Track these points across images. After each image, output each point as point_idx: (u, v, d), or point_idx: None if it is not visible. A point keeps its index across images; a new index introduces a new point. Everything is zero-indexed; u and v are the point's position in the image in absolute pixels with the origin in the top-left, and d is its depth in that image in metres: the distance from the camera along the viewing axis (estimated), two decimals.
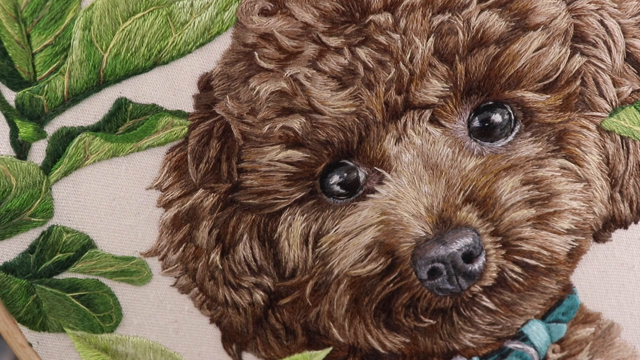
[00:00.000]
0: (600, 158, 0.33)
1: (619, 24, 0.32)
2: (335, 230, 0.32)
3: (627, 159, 0.33)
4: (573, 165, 0.32)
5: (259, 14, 0.30)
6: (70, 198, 0.32)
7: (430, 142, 0.31)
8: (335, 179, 0.32)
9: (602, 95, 0.32)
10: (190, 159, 0.32)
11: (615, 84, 0.32)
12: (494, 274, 0.31)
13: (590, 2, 0.32)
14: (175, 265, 0.33)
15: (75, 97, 0.31)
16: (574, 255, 0.33)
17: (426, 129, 0.31)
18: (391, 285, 0.32)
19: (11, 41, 0.30)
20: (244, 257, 0.33)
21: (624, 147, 0.33)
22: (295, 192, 0.32)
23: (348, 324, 0.33)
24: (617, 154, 0.33)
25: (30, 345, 0.33)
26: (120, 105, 0.31)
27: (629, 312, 0.35)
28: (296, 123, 0.30)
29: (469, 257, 0.30)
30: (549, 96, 0.31)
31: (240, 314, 0.34)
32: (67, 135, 0.31)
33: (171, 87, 0.31)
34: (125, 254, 0.33)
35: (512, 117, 0.32)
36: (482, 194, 0.31)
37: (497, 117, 0.31)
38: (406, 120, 0.31)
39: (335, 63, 0.30)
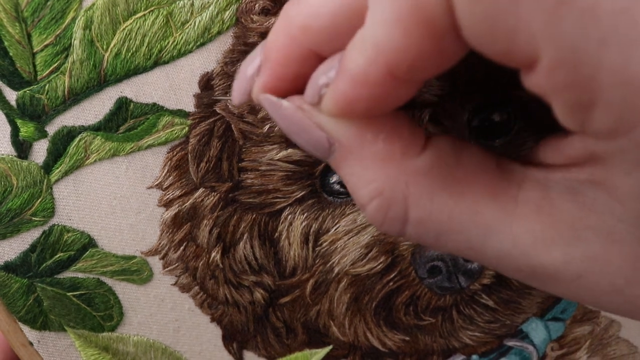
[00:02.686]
0: None
1: None
2: (335, 229, 0.32)
3: None
4: None
5: (259, 14, 0.30)
6: (71, 197, 0.32)
7: None
8: (336, 177, 0.32)
9: None
10: (190, 158, 0.32)
11: None
12: (493, 272, 0.32)
13: None
14: (176, 264, 0.33)
15: (76, 97, 0.31)
16: None
17: (425, 128, 0.31)
18: (391, 283, 0.32)
19: (12, 41, 0.30)
20: (245, 255, 0.33)
21: None
22: (295, 191, 0.32)
23: (348, 322, 0.33)
24: None
25: (31, 344, 0.33)
26: (121, 104, 0.31)
27: None
28: None
29: None
30: None
31: (241, 313, 0.34)
32: (68, 135, 0.31)
33: (172, 87, 0.31)
34: (126, 253, 0.33)
35: (512, 116, 0.32)
36: None
37: (496, 116, 0.32)
38: None
39: None
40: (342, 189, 0.32)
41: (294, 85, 0.23)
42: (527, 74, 0.18)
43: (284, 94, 0.23)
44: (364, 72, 0.20)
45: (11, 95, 0.31)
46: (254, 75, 0.24)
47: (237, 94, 0.25)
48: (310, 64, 0.22)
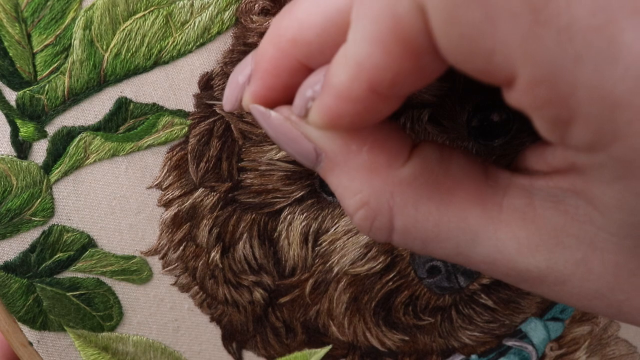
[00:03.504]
0: None
1: None
2: (334, 229, 0.32)
3: None
4: None
5: (259, 14, 0.30)
6: (71, 197, 0.32)
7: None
8: None
9: None
10: (190, 158, 0.32)
11: None
12: None
13: None
14: (176, 264, 0.33)
15: (75, 97, 0.31)
16: None
17: (425, 128, 0.31)
18: (390, 283, 0.32)
19: (12, 41, 0.30)
20: (244, 255, 0.33)
21: None
22: (294, 190, 0.32)
23: (347, 322, 0.33)
24: None
25: (31, 344, 0.34)
26: (121, 104, 0.31)
27: None
28: None
29: None
30: None
31: (240, 312, 0.34)
32: (68, 135, 0.31)
33: (172, 87, 0.31)
34: (125, 253, 0.33)
35: (511, 116, 0.32)
36: None
37: (495, 116, 0.32)
38: (405, 119, 0.31)
39: None
40: None
41: (283, 95, 0.24)
42: (507, 91, 0.19)
43: (273, 104, 0.24)
44: (347, 88, 0.21)
45: (11, 96, 0.31)
46: (245, 84, 0.24)
47: (228, 101, 0.25)
48: (300, 75, 0.23)
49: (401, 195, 0.22)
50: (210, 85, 0.31)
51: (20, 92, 0.31)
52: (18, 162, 0.31)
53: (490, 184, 0.23)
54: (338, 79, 0.21)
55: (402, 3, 0.18)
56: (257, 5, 0.31)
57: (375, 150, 0.23)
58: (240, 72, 0.25)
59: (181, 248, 0.33)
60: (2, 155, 0.31)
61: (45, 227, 0.32)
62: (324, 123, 0.22)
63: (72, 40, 0.30)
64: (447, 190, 0.23)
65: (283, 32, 0.22)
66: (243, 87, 0.24)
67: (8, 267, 0.32)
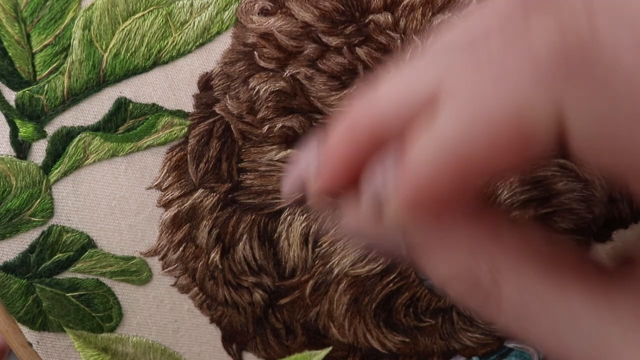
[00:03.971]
0: None
1: None
2: (335, 230, 0.32)
3: None
4: (572, 164, 0.32)
5: (258, 14, 0.30)
6: (70, 198, 0.32)
7: None
8: None
9: None
10: (190, 159, 0.32)
11: None
12: None
13: None
14: (175, 265, 0.33)
15: (75, 97, 0.31)
16: None
17: None
18: (391, 285, 0.32)
19: (11, 41, 0.30)
20: (244, 256, 0.33)
21: None
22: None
23: (348, 323, 0.33)
24: None
25: (30, 344, 0.33)
26: (121, 105, 0.31)
27: None
28: (296, 123, 0.30)
29: None
30: None
31: (240, 314, 0.34)
32: (67, 135, 0.31)
33: (171, 87, 0.31)
34: (125, 253, 0.33)
35: None
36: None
37: None
38: None
39: (335, 62, 0.30)
40: None
41: (353, 177, 0.21)
42: (632, 184, 0.17)
43: (343, 187, 0.21)
44: (431, 179, 0.18)
45: (10, 96, 0.31)
46: (310, 174, 0.22)
47: (287, 190, 0.23)
48: (371, 153, 0.20)
49: (505, 261, 0.20)
50: (209, 86, 0.31)
51: (20, 92, 0.31)
52: (17, 162, 0.31)
53: (598, 269, 0.20)
54: (420, 167, 0.18)
55: (534, 103, 0.16)
56: (256, 5, 0.30)
57: (470, 223, 0.20)
58: (305, 162, 0.22)
59: (181, 249, 0.33)
60: (2, 155, 0.31)
61: (45, 228, 0.32)
62: (406, 218, 0.19)
63: (72, 40, 0.30)
64: (550, 265, 0.20)
65: (360, 124, 0.20)
66: (306, 177, 0.22)
67: (7, 267, 0.32)
